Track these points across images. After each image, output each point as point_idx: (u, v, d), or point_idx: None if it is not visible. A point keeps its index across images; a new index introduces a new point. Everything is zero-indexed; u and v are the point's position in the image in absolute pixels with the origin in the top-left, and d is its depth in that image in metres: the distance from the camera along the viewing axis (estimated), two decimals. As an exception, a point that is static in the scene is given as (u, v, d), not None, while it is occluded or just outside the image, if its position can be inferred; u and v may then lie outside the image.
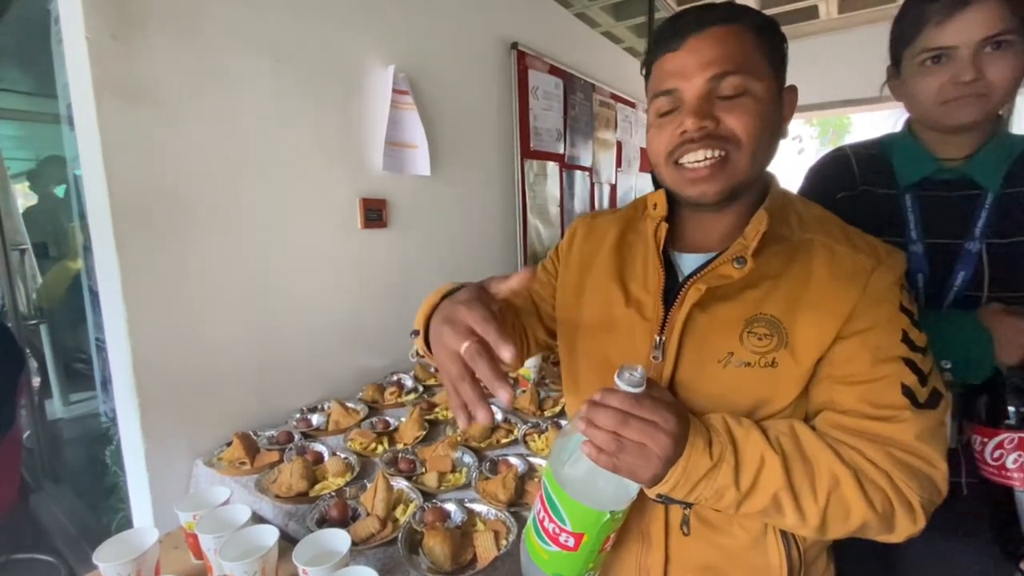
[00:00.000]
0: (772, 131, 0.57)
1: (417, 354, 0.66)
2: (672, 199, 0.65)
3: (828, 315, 0.55)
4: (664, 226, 0.63)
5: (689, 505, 0.60)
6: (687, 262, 0.64)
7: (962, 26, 0.69)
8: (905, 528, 0.52)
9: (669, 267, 0.64)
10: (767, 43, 0.57)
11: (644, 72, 0.64)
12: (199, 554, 0.87)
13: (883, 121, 0.89)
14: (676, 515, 0.62)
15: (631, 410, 0.50)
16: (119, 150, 1.06)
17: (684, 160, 0.56)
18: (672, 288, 0.62)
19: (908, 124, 0.84)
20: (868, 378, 0.54)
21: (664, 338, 0.60)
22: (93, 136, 1.04)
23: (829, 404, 0.56)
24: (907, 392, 0.53)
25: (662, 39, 0.58)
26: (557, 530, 0.54)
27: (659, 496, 0.56)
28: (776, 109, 0.58)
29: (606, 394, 0.51)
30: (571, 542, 0.54)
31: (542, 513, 0.56)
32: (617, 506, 0.54)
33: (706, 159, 0.55)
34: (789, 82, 0.60)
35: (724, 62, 0.54)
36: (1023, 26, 0.68)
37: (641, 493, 0.56)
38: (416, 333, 0.63)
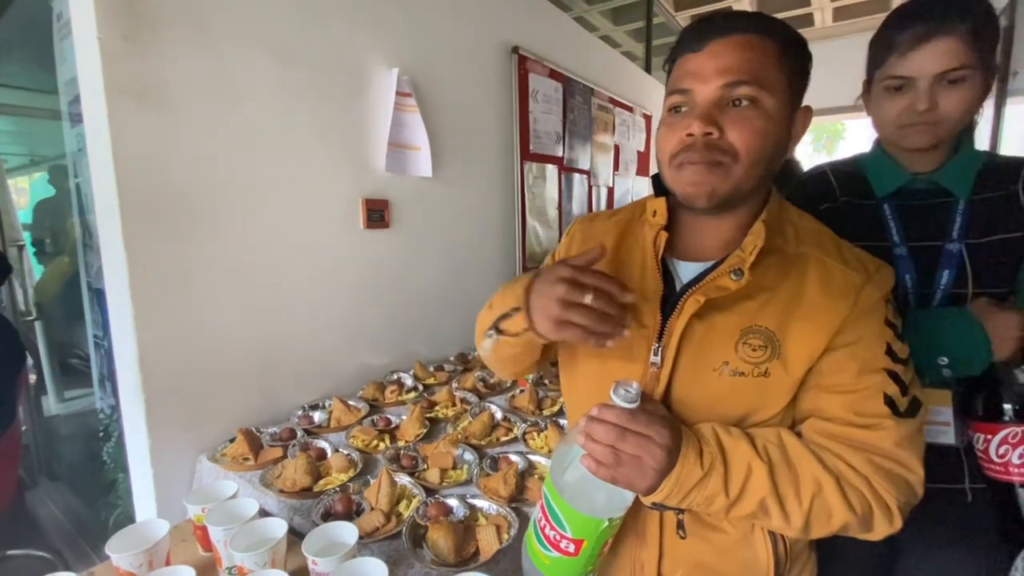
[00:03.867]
0: (775, 147, 0.58)
1: (497, 332, 0.65)
2: (672, 206, 0.66)
3: (819, 329, 0.58)
4: (664, 235, 0.64)
5: (683, 511, 0.63)
6: (685, 270, 0.65)
7: (922, 60, 0.74)
8: (883, 528, 0.56)
9: (667, 274, 0.65)
10: (790, 59, 0.58)
11: (666, 68, 0.65)
12: (207, 546, 0.89)
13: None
14: (671, 515, 0.65)
15: (627, 425, 0.53)
16: (128, 149, 1.08)
17: (684, 163, 0.58)
18: (670, 295, 0.63)
19: (878, 142, 0.89)
20: (853, 388, 0.57)
21: (662, 346, 0.62)
22: (103, 135, 1.05)
23: (816, 411, 0.59)
24: (889, 402, 0.56)
25: (687, 39, 0.59)
26: (558, 537, 0.57)
27: (654, 504, 0.59)
28: (784, 127, 0.59)
29: (603, 410, 0.54)
30: (571, 548, 0.56)
31: (543, 520, 0.59)
32: (615, 513, 0.57)
33: (704, 164, 0.57)
34: None
35: (740, 70, 0.55)
36: (980, 60, 0.73)
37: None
38: (516, 310, 0.61)
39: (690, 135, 0.57)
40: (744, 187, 0.58)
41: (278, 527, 0.81)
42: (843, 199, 0.90)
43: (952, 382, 0.78)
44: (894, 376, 0.57)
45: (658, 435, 0.53)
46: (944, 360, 0.75)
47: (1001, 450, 0.74)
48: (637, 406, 0.53)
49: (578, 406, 0.75)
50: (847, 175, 0.92)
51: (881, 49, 0.80)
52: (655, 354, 0.62)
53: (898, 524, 0.55)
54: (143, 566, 0.77)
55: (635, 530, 0.67)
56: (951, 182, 0.81)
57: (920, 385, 0.60)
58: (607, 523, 0.56)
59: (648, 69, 3.66)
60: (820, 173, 0.95)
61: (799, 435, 0.59)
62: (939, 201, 0.83)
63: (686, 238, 0.67)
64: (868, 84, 0.85)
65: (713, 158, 0.56)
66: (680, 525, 0.64)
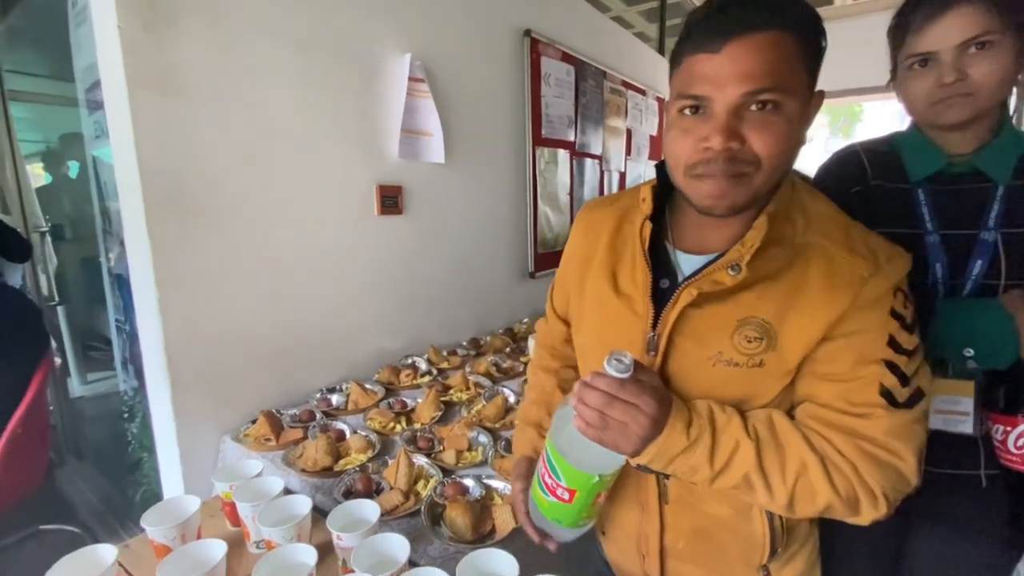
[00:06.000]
0: (796, 148, 0.57)
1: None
2: (677, 199, 0.66)
3: (816, 320, 0.57)
4: (648, 225, 0.64)
5: (667, 476, 0.67)
6: (687, 262, 0.65)
7: (940, 32, 0.73)
8: (869, 513, 0.57)
9: (668, 264, 0.66)
10: (807, 44, 0.54)
11: (672, 61, 0.60)
12: (235, 521, 0.92)
13: (895, 109, 0.90)
14: (668, 486, 0.68)
15: (615, 393, 0.55)
16: (150, 138, 1.10)
17: (704, 175, 0.56)
18: (671, 287, 0.64)
19: (914, 123, 0.85)
20: (848, 378, 0.57)
21: (656, 335, 0.63)
22: (125, 124, 1.07)
23: (810, 397, 0.60)
24: (884, 393, 0.56)
25: (699, 34, 0.54)
26: (554, 485, 0.63)
27: (639, 466, 0.63)
28: (803, 123, 0.57)
29: (595, 377, 0.57)
30: (566, 496, 0.62)
31: (543, 469, 0.65)
32: (604, 471, 0.61)
33: (725, 177, 0.55)
34: None
35: (762, 77, 0.51)
36: (1005, 25, 0.70)
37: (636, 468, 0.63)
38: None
39: (709, 148, 0.54)
40: (762, 192, 0.57)
41: (303, 504, 0.85)
42: (875, 182, 0.86)
43: (977, 373, 0.77)
44: (893, 367, 0.56)
45: (645, 404, 0.55)
46: (970, 352, 0.74)
47: (1020, 442, 0.73)
48: (630, 376, 0.56)
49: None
50: (881, 156, 0.87)
51: (898, 33, 0.78)
52: (650, 342, 0.64)
53: (884, 510, 0.56)
54: (176, 539, 0.81)
55: (637, 501, 0.71)
56: (990, 166, 0.78)
57: (930, 374, 0.60)
58: (597, 478, 0.61)
59: (662, 51, 3.60)
60: (852, 153, 0.91)
61: (793, 418, 0.61)
62: (976, 186, 0.79)
63: (692, 230, 0.66)
64: (894, 72, 0.83)
65: (736, 170, 0.54)
66: (663, 492, 0.68)
